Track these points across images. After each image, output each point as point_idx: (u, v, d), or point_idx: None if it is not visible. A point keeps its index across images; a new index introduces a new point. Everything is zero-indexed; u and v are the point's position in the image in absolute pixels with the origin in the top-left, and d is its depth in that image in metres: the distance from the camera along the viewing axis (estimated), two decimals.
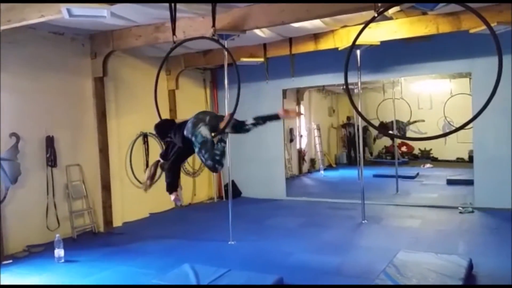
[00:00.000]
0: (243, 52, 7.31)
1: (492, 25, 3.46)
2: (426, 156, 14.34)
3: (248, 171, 9.05)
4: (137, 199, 7.55)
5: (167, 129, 3.69)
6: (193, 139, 3.37)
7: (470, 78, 8.05)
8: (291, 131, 12.04)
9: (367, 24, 3.45)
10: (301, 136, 12.76)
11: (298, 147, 12.64)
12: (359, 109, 5.43)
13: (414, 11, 5.89)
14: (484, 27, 3.25)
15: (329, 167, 13.65)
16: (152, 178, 3.60)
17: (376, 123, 11.32)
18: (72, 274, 4.78)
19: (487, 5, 5.36)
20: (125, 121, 7.37)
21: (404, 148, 14.63)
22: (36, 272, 4.91)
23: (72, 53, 6.58)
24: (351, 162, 14.02)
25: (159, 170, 3.77)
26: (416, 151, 14.74)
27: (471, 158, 8.77)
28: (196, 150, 3.37)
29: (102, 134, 6.83)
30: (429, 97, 12.90)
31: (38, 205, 6.04)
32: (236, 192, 9.06)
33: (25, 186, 5.83)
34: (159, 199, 8.09)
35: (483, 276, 4.27)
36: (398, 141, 12.85)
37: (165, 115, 7.87)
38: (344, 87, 3.74)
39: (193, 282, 4.05)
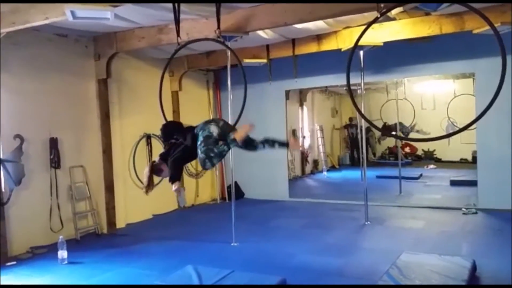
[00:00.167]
0: (246, 53, 7.32)
1: (496, 25, 3.46)
2: (429, 157, 14.29)
3: (251, 172, 9.05)
4: (140, 200, 7.54)
5: (174, 130, 3.70)
6: (200, 132, 3.45)
7: (473, 79, 8.03)
8: (294, 132, 12.03)
9: (369, 24, 3.45)
10: (304, 137, 12.75)
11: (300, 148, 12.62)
12: (362, 110, 5.43)
13: (417, 11, 5.88)
14: (487, 27, 3.24)
15: (332, 168, 13.63)
16: (148, 186, 3.59)
17: (380, 124, 11.31)
18: (76, 276, 4.79)
19: (490, 5, 5.34)
20: (129, 123, 7.39)
21: (407, 149, 14.60)
22: (40, 273, 4.93)
23: (76, 54, 6.60)
24: (354, 163, 14.00)
25: (156, 178, 3.77)
26: (419, 152, 14.70)
27: (474, 159, 8.74)
28: (198, 143, 3.42)
29: (105, 135, 6.86)
30: (432, 97, 12.86)
31: (42, 206, 6.06)
32: (239, 193, 9.06)
33: (29, 187, 5.85)
34: (162, 201, 8.13)
35: (487, 278, 4.26)
36: (401, 141, 12.82)
37: (168, 116, 7.81)
38: (347, 87, 3.73)
39: (196, 283, 4.06)
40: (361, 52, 6.55)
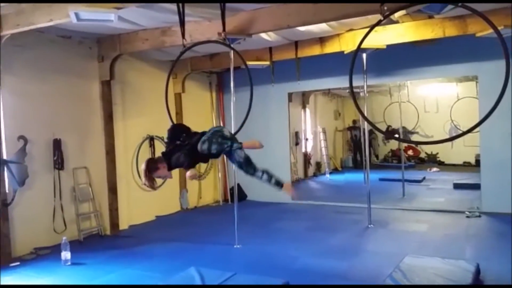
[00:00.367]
0: (249, 55, 7.33)
1: (499, 28, 3.45)
2: (432, 160, 14.27)
3: None
4: (143, 202, 7.58)
5: (182, 132, 3.69)
6: (213, 129, 3.54)
7: (476, 82, 8.02)
8: (296, 134, 12.03)
9: (373, 27, 3.45)
10: (306, 139, 12.75)
11: (303, 150, 12.63)
12: (365, 113, 5.43)
13: (420, 14, 5.88)
14: (491, 30, 3.24)
15: (335, 171, 13.62)
16: (149, 181, 3.55)
17: (383, 126, 11.30)
18: (79, 277, 4.79)
19: (494, 8, 5.34)
20: (132, 124, 7.41)
21: (410, 152, 14.57)
22: (43, 274, 4.94)
23: (80, 56, 6.63)
24: (357, 165, 13.98)
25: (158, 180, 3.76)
26: (422, 155, 14.68)
27: (478, 162, 8.71)
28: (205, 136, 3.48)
29: (108, 137, 6.88)
30: (435, 100, 12.85)
31: (45, 207, 6.08)
32: (242, 196, 9.06)
33: (33, 188, 5.88)
34: (165, 202, 8.15)
35: (491, 281, 4.24)
36: (404, 144, 12.80)
37: (172, 118, 7.91)
38: (350, 90, 3.73)
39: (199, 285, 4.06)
40: (364, 55, 6.55)
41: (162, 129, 4.08)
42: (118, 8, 4.49)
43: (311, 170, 12.96)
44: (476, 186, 7.93)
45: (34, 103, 5.99)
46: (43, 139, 6.08)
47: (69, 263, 5.24)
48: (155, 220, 7.80)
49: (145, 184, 3.55)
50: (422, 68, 7.79)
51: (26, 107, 5.88)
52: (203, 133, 3.55)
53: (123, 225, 7.12)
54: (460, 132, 3.68)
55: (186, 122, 8.18)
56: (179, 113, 8.52)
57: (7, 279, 4.82)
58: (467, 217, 7.06)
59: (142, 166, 3.49)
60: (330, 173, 12.93)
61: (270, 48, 7.50)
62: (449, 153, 13.54)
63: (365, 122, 7.56)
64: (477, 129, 3.48)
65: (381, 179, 10.98)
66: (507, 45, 2.93)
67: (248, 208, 8.31)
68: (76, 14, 4.35)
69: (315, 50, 7.15)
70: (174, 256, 5.49)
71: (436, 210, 7.62)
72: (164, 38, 6.03)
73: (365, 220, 6.78)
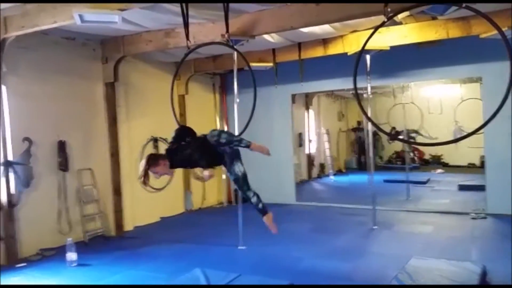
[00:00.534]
0: (252, 57, 7.33)
1: (503, 29, 3.44)
2: (437, 162, 14.22)
3: (257, 176, 8.95)
4: (148, 203, 7.59)
5: (188, 134, 3.71)
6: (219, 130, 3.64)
7: (480, 83, 7.99)
8: (300, 135, 12.02)
9: (376, 28, 3.45)
10: (310, 141, 12.74)
11: (307, 152, 12.61)
12: (369, 114, 5.42)
13: (424, 15, 5.88)
14: (495, 31, 3.23)
15: (338, 172, 13.60)
16: (145, 177, 3.54)
17: (387, 128, 11.27)
18: (84, 278, 4.81)
19: (498, 9, 5.32)
20: (136, 126, 7.43)
21: (415, 153, 14.52)
22: (49, 275, 4.96)
23: (84, 58, 6.66)
24: (361, 167, 13.95)
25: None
26: (427, 157, 14.63)
27: (482, 164, 8.68)
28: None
29: (113, 138, 6.91)
30: (439, 102, 12.80)
31: (50, 209, 6.11)
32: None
33: (38, 190, 5.90)
34: (170, 204, 8.17)
35: (497, 283, 4.21)
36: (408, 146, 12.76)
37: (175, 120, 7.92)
38: (354, 92, 3.73)
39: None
40: (368, 56, 6.55)
41: (166, 130, 4.09)
42: (122, 10, 4.52)
43: (315, 171, 12.94)
44: (481, 188, 7.90)
45: (39, 104, 6.02)
46: (48, 140, 6.11)
47: (74, 264, 5.26)
48: (160, 221, 7.82)
49: (140, 179, 3.47)
50: (425, 69, 7.77)
51: (31, 109, 5.91)
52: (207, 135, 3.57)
53: (128, 226, 7.14)
54: (465, 133, 3.68)
55: (190, 123, 8.19)
56: (182, 114, 8.53)
57: (13, 280, 4.84)
58: (473, 218, 7.03)
59: (142, 161, 3.44)
60: (334, 174, 12.91)
61: (273, 50, 7.51)
62: (453, 155, 13.48)
63: (369, 124, 7.55)
64: (482, 130, 3.47)
65: (386, 181, 10.94)
66: (511, 46, 2.93)
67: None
68: (80, 16, 4.38)
69: (318, 52, 7.16)
70: (179, 257, 5.50)
71: (441, 211, 7.59)
72: (168, 40, 6.06)
73: (370, 221, 6.77)
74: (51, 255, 5.74)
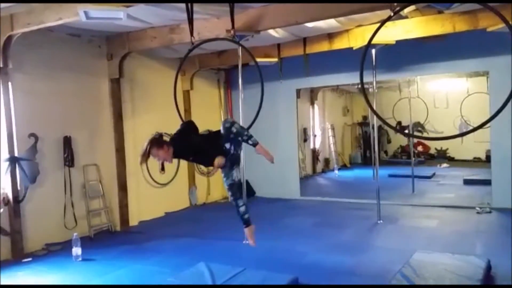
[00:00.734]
0: (257, 52, 7.31)
1: (511, 23, 3.41)
2: (442, 156, 14.16)
3: (262, 171, 9.03)
4: (153, 198, 7.64)
5: (194, 130, 3.72)
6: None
7: (487, 77, 7.93)
8: (305, 130, 12.01)
9: (383, 23, 3.43)
10: (315, 135, 12.72)
11: (312, 146, 12.60)
12: (374, 109, 5.40)
13: (430, 10, 5.83)
14: (502, 25, 3.20)
15: (343, 167, 13.58)
16: (144, 156, 3.53)
17: (393, 122, 11.23)
18: (89, 272, 4.85)
19: (506, 2, 5.26)
20: (141, 122, 7.45)
21: (420, 148, 14.48)
22: (55, 270, 5.00)
23: (89, 54, 6.68)
24: (366, 162, 13.92)
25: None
26: (432, 151, 14.58)
27: (488, 158, 8.64)
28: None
29: (118, 134, 6.94)
30: (445, 96, 12.74)
31: (56, 204, 6.15)
32: (250, 192, 9.08)
33: (44, 185, 5.94)
34: (174, 199, 8.21)
35: (502, 277, 4.20)
36: (414, 140, 12.72)
37: None
38: (360, 86, 3.72)
39: (209, 280, 4.09)
40: (373, 51, 6.51)
41: (171, 126, 4.09)
42: (127, 6, 4.52)
43: (320, 166, 12.93)
44: (486, 182, 7.87)
45: (45, 101, 6.05)
46: (54, 136, 6.14)
47: (80, 258, 5.30)
48: (165, 216, 7.86)
49: (140, 157, 3.48)
50: (431, 63, 7.72)
51: (37, 105, 5.94)
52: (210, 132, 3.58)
53: (133, 221, 7.18)
54: (470, 127, 3.66)
55: (195, 119, 8.13)
56: (187, 110, 8.54)
57: (19, 275, 4.89)
58: (478, 213, 7.01)
59: (146, 143, 3.42)
60: (339, 169, 12.89)
61: (278, 45, 7.48)
62: (459, 149, 13.43)
63: (374, 118, 7.53)
64: (488, 124, 3.45)
65: (391, 175, 10.93)
66: None
67: (256, 204, 8.33)
68: (86, 13, 4.38)
69: (324, 46, 7.13)
70: (184, 251, 5.53)
71: (446, 206, 7.57)
72: (173, 36, 6.05)
73: (374, 216, 6.76)
74: (56, 250, 5.79)
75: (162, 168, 3.63)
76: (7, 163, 5.49)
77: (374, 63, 6.61)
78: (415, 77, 9.67)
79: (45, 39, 5.98)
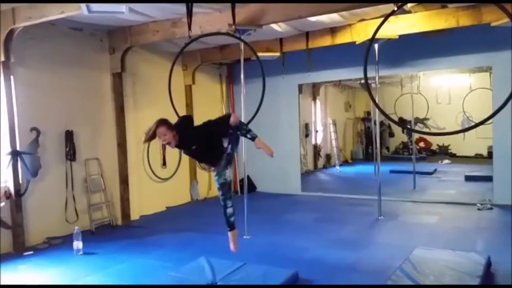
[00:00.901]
0: (259, 46, 7.30)
1: None
2: (444, 152, 14.13)
3: (263, 166, 9.05)
4: (154, 192, 7.66)
5: (191, 124, 3.73)
6: None
7: (490, 73, 7.90)
8: (306, 126, 11.99)
9: (387, 17, 3.42)
10: (316, 131, 12.71)
11: (313, 142, 12.59)
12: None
13: (433, 4, 5.79)
14: (506, 19, 3.18)
15: (345, 163, 13.57)
16: (148, 137, 3.52)
17: (395, 118, 11.19)
18: (90, 266, 4.86)
19: None
20: (143, 116, 7.43)
21: (421, 144, 14.45)
22: (56, 263, 5.02)
23: (91, 48, 6.66)
24: (368, 157, 13.91)
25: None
26: (434, 147, 14.55)
27: (490, 154, 8.61)
28: None
29: (120, 128, 6.94)
30: (448, 91, 12.69)
31: (58, 198, 6.16)
32: (251, 187, 9.09)
33: (45, 179, 5.95)
34: (176, 193, 8.22)
35: (502, 274, 4.20)
36: (415, 136, 12.70)
37: (182, 110, 7.93)
38: (363, 81, 3.71)
39: (209, 275, 4.10)
40: (376, 45, 6.48)
41: (173, 120, 4.08)
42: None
43: (321, 162, 12.92)
44: (488, 178, 7.85)
45: (47, 95, 6.04)
46: (56, 130, 6.14)
47: (81, 252, 5.32)
48: (166, 210, 7.87)
49: (145, 134, 3.48)
50: (434, 58, 7.68)
51: (39, 99, 5.94)
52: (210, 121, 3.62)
53: (134, 215, 7.20)
54: (473, 124, 3.65)
55: (196, 113, 8.22)
56: (189, 104, 8.54)
57: (20, 268, 4.91)
58: (479, 209, 7.00)
59: (153, 125, 3.42)
60: (340, 165, 12.88)
61: (281, 39, 7.46)
62: (461, 145, 13.40)
63: (377, 113, 7.51)
64: (490, 120, 3.44)
65: (392, 171, 10.93)
66: None
67: (257, 199, 8.34)
68: (87, 6, 4.37)
69: (326, 41, 7.10)
70: (185, 246, 5.55)
71: (447, 202, 7.57)
72: (175, 30, 6.03)
73: (375, 212, 6.77)
74: (58, 244, 5.81)
75: (164, 149, 3.63)
76: (9, 157, 5.51)
77: (376, 58, 6.58)
78: (418, 73, 9.64)
79: (47, 32, 5.97)
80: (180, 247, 5.49)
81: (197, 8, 5.25)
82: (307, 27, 6.86)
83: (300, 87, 9.45)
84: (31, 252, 5.47)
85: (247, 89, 5.99)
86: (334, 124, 13.35)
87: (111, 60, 6.83)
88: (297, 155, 9.26)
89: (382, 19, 3.50)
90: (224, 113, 9.48)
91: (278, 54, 7.46)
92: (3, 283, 4.45)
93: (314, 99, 12.58)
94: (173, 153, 7.70)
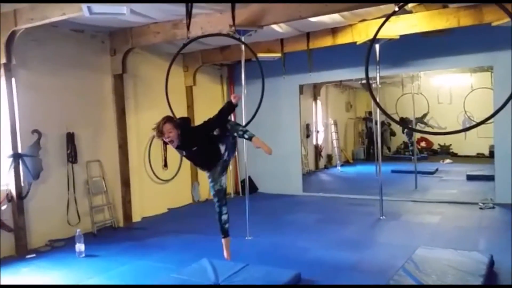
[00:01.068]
0: (260, 47, 7.31)
1: None
2: (445, 152, 14.13)
3: (264, 167, 9.06)
4: (155, 194, 7.66)
5: (189, 125, 3.77)
6: None
7: (491, 72, 7.89)
8: (307, 126, 11.99)
9: (388, 17, 3.41)
10: (317, 131, 12.71)
11: (314, 142, 12.59)
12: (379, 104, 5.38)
13: (434, 4, 5.79)
14: (507, 19, 3.18)
15: (346, 163, 13.56)
16: (158, 128, 3.56)
17: (396, 118, 11.19)
18: (93, 269, 4.86)
19: None
20: (144, 118, 7.43)
21: (423, 143, 14.44)
22: (58, 266, 5.02)
23: (92, 50, 6.67)
24: (369, 157, 13.90)
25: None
26: (435, 147, 14.54)
27: (491, 153, 8.60)
28: None
29: (121, 130, 6.94)
30: (449, 91, 12.67)
31: (60, 200, 6.16)
32: (253, 188, 9.08)
33: (47, 181, 5.96)
34: (177, 195, 8.22)
35: (505, 273, 4.19)
36: (417, 136, 12.69)
37: (183, 111, 7.96)
38: (364, 81, 3.71)
39: (212, 276, 4.09)
40: (377, 46, 6.48)
41: None
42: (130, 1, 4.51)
43: (322, 162, 12.92)
44: (489, 178, 7.85)
45: (48, 97, 6.05)
46: (57, 133, 6.15)
47: (83, 255, 5.31)
48: (167, 212, 7.87)
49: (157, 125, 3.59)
50: (435, 58, 7.68)
51: (40, 101, 5.94)
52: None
53: (136, 217, 7.20)
54: (474, 123, 3.65)
55: (197, 115, 8.23)
56: (190, 106, 8.54)
57: (23, 271, 4.91)
58: (481, 208, 6.99)
59: (161, 120, 3.55)
60: (342, 165, 12.87)
61: (282, 40, 7.46)
62: (462, 145, 13.38)
63: (378, 114, 7.51)
64: (491, 120, 3.43)
65: (393, 171, 10.90)
66: None
67: (259, 200, 8.34)
68: (89, 8, 4.38)
69: (327, 41, 7.10)
70: (187, 247, 5.55)
71: (449, 201, 7.56)
72: (176, 31, 6.03)
73: (377, 212, 6.76)
74: (60, 246, 5.80)
75: (165, 143, 3.65)
76: (11, 159, 5.51)
77: (377, 58, 6.57)
78: (419, 73, 9.63)
79: (49, 34, 5.98)
80: (182, 249, 5.49)
81: (198, 9, 5.26)
82: (308, 27, 6.86)
83: (301, 87, 9.45)
84: (34, 255, 5.47)
85: (248, 90, 5.99)
86: (335, 124, 13.35)
87: (112, 62, 6.83)
88: (298, 155, 9.25)
89: (383, 19, 3.50)
90: None
91: (279, 54, 7.46)
92: (5, 284, 4.46)
93: (315, 99, 12.58)
94: (174, 154, 7.69)
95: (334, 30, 6.94)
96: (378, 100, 6.36)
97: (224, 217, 3.93)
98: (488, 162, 9.62)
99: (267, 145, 3.68)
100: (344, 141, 14.24)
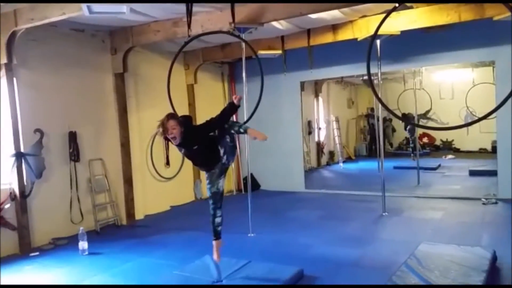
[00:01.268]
0: (261, 44, 7.30)
1: None
2: (448, 147, 14.10)
3: (266, 164, 9.07)
4: (158, 192, 7.68)
5: (189, 124, 3.77)
6: None
7: (493, 67, 7.86)
8: (309, 123, 11.99)
9: (389, 13, 3.40)
10: (319, 128, 12.70)
11: (316, 139, 12.58)
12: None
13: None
14: (509, 14, 3.17)
15: (348, 159, 13.55)
16: (162, 125, 3.57)
17: (398, 114, 11.16)
18: (96, 266, 4.88)
19: None
20: (146, 116, 7.45)
21: (425, 139, 14.41)
22: (62, 264, 5.04)
23: (93, 49, 6.68)
24: (371, 154, 13.89)
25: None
26: (437, 142, 14.51)
27: (494, 149, 8.58)
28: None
29: (123, 129, 6.96)
30: (451, 86, 12.64)
31: (62, 199, 6.19)
32: (255, 185, 9.09)
33: (50, 180, 5.98)
34: (180, 192, 8.23)
35: (508, 268, 4.18)
36: (419, 132, 12.67)
37: (184, 109, 7.97)
38: (366, 77, 3.71)
39: (214, 273, 4.11)
40: (378, 41, 6.46)
41: None
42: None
43: (324, 159, 12.92)
44: (492, 173, 7.83)
45: (49, 96, 6.06)
46: (59, 131, 6.17)
47: (86, 253, 5.34)
48: (170, 210, 7.89)
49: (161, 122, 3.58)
50: (437, 53, 7.65)
51: (42, 101, 5.96)
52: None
53: (139, 215, 7.22)
54: (476, 118, 3.64)
55: (199, 113, 8.24)
56: (191, 104, 8.54)
57: (27, 269, 4.94)
58: (483, 204, 6.98)
59: (164, 117, 3.54)
60: (344, 161, 12.87)
61: (282, 37, 7.45)
62: (464, 140, 13.37)
63: (380, 110, 7.50)
64: (494, 115, 3.43)
65: (396, 167, 10.90)
66: None
67: (261, 197, 8.34)
68: (88, 7, 4.38)
69: (328, 38, 7.08)
70: (189, 244, 5.56)
71: (452, 197, 7.55)
72: (176, 29, 6.04)
73: (380, 208, 6.76)
74: (63, 244, 5.83)
75: (166, 139, 3.66)
76: (13, 158, 5.53)
77: (379, 54, 6.56)
78: (420, 68, 9.60)
79: (49, 34, 5.99)
80: (185, 246, 5.50)
81: (198, 8, 5.26)
82: (309, 24, 6.85)
83: (303, 84, 9.44)
84: (37, 253, 5.50)
85: (249, 88, 5.99)
86: (337, 121, 13.33)
87: (113, 61, 6.84)
88: (300, 152, 9.25)
89: (383, 15, 3.49)
90: None
91: (279, 51, 7.45)
92: (6, 283, 4.48)
93: (317, 96, 12.56)
94: (176, 152, 7.69)
95: (334, 27, 6.92)
96: (380, 96, 6.37)
97: (218, 219, 3.95)
98: (491, 157, 9.60)
99: (262, 133, 3.68)
100: (346, 138, 14.23)
